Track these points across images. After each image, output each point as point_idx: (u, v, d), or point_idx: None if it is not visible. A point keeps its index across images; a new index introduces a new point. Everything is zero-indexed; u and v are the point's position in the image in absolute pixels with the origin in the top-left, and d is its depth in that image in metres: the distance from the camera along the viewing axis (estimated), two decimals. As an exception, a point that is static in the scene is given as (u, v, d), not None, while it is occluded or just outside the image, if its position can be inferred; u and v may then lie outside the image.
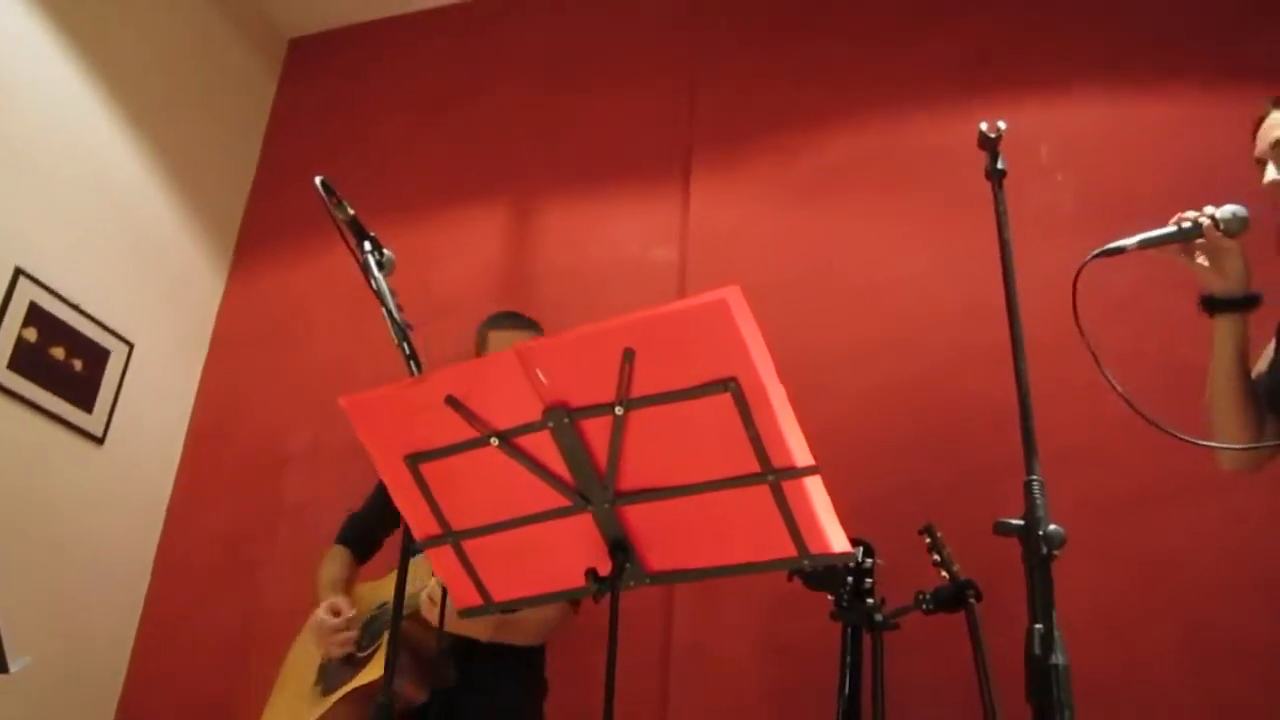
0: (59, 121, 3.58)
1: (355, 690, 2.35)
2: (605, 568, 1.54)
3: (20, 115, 3.42)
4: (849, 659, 2.24)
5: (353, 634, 2.51)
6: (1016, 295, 1.62)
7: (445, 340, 3.38)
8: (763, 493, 1.44)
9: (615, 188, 3.83)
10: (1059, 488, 1.69)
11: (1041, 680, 1.32)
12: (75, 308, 3.51)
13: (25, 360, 3.31)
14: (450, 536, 1.62)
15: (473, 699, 2.45)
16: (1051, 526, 1.40)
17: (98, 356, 3.60)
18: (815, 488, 1.44)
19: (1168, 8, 3.32)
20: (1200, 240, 1.85)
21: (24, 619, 3.21)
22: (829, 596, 2.30)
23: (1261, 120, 1.93)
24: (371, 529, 2.81)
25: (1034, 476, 1.45)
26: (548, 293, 3.70)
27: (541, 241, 3.85)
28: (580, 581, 1.55)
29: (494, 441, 1.50)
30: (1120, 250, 1.81)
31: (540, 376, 1.43)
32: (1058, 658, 1.33)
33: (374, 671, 2.34)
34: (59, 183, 3.54)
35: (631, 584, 1.58)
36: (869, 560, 2.28)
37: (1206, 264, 1.88)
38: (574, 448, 1.48)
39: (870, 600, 2.27)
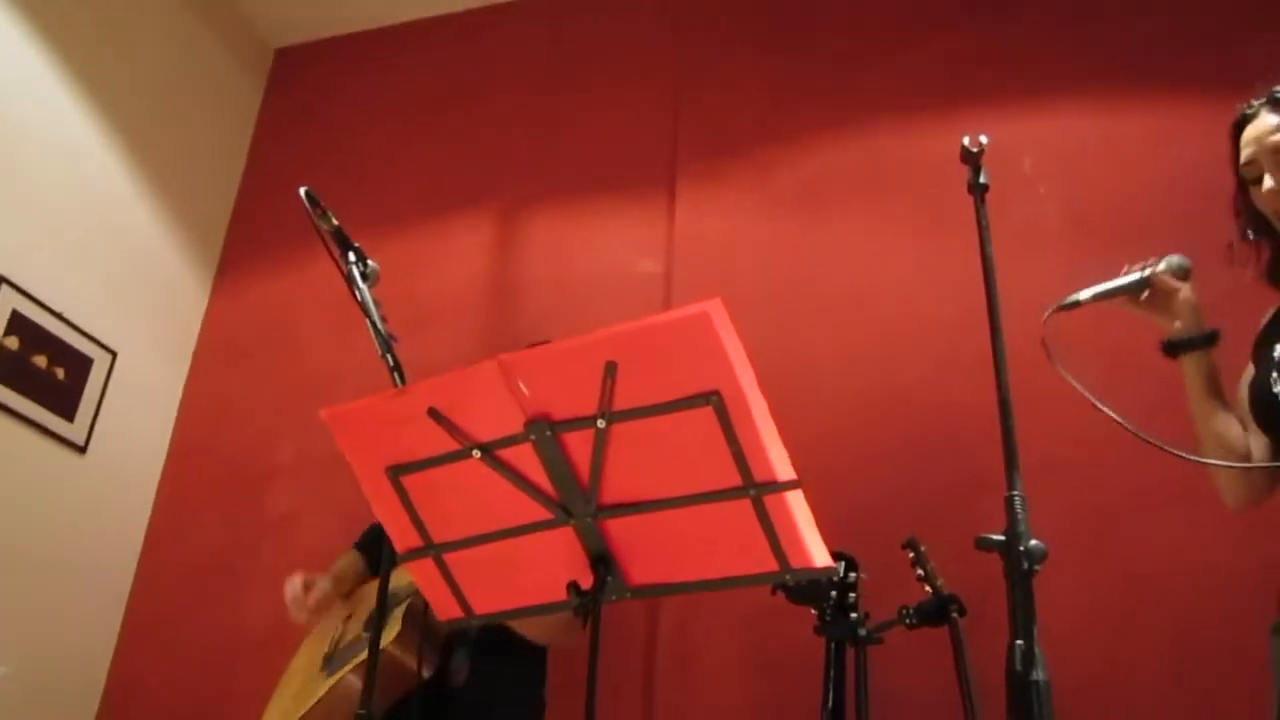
0: (43, 130, 3.57)
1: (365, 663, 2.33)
2: (587, 581, 1.54)
3: (3, 124, 3.41)
4: (832, 674, 2.23)
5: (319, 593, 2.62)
6: (999, 308, 1.62)
7: (430, 352, 3.38)
8: (744, 506, 1.43)
9: (601, 199, 3.83)
10: (1042, 500, 1.70)
11: (1022, 697, 1.32)
12: (58, 316, 3.49)
13: (6, 368, 3.29)
14: (431, 549, 1.62)
15: (474, 702, 2.45)
16: (1033, 542, 1.40)
17: (80, 365, 3.58)
18: (797, 502, 1.43)
19: (1150, 19, 3.34)
20: (1150, 289, 1.90)
21: (1, 629, 3.19)
22: (812, 611, 2.29)
23: (1244, 122, 1.87)
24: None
25: (1015, 492, 1.45)
26: (533, 304, 3.70)
27: (527, 253, 3.84)
28: (562, 595, 1.55)
29: (476, 454, 1.49)
30: (1076, 304, 1.84)
31: (522, 388, 1.43)
32: (1038, 674, 1.32)
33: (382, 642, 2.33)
34: (43, 191, 3.52)
35: (613, 597, 1.57)
36: (852, 575, 2.28)
37: (1159, 311, 1.92)
38: (556, 460, 1.48)
39: (854, 615, 2.26)
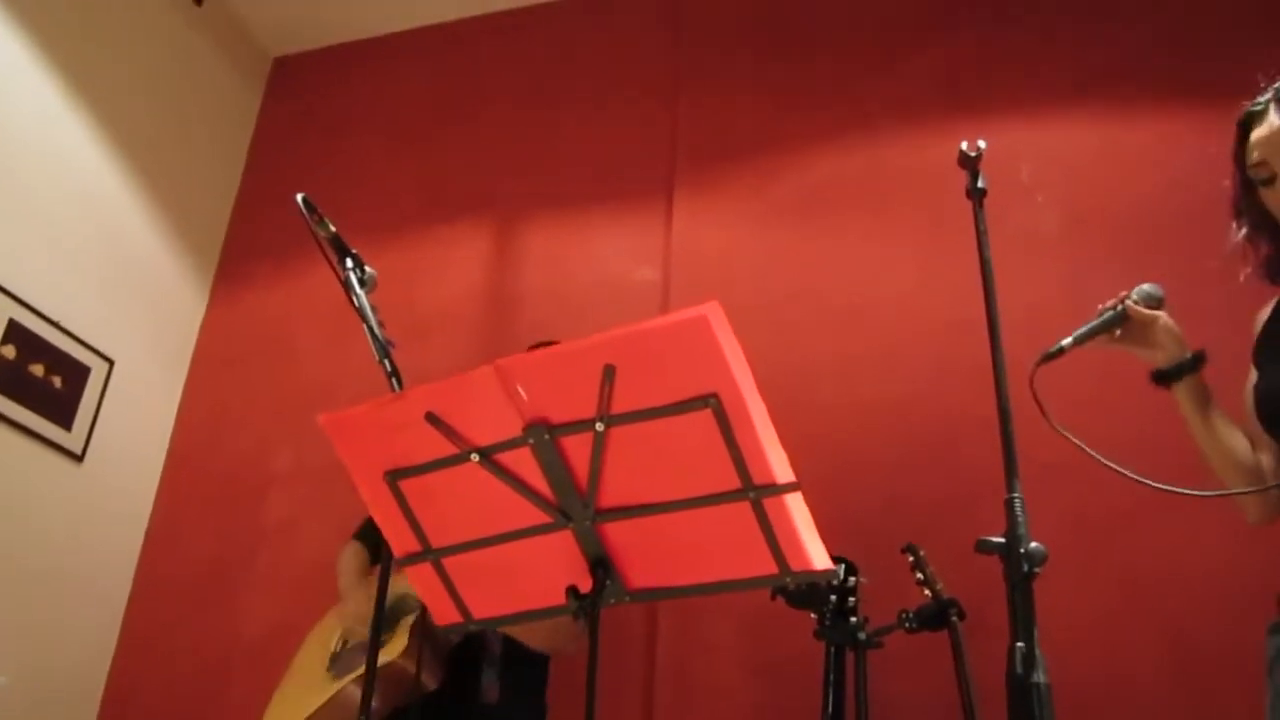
0: (41, 139, 3.56)
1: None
2: (586, 585, 1.53)
3: (2, 133, 3.41)
4: (832, 678, 2.23)
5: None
6: (998, 313, 1.62)
7: (428, 360, 3.38)
8: (744, 509, 1.43)
9: (599, 207, 3.83)
10: (1042, 504, 1.70)
11: (1023, 699, 1.32)
12: (55, 325, 3.48)
13: (3, 377, 3.28)
14: (430, 554, 1.62)
15: (477, 706, 2.45)
16: (1033, 544, 1.40)
17: (78, 374, 3.58)
18: (796, 504, 1.43)
19: (1148, 29, 3.35)
20: (1127, 323, 1.87)
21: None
22: (812, 615, 2.29)
23: (1250, 119, 1.81)
24: None
25: (1015, 494, 1.45)
26: (531, 312, 3.70)
27: (525, 261, 3.84)
28: (561, 599, 1.55)
29: (474, 458, 1.49)
30: (1061, 352, 1.80)
31: (521, 393, 1.43)
32: (1039, 677, 1.32)
33: (387, 654, 2.34)
34: (40, 200, 3.52)
35: (612, 601, 1.57)
36: (851, 579, 2.28)
37: (1140, 344, 1.89)
38: (554, 464, 1.47)
39: (853, 619, 2.26)
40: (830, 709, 2.21)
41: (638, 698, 2.98)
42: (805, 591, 2.25)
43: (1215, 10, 3.30)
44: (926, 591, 2.32)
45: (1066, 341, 1.82)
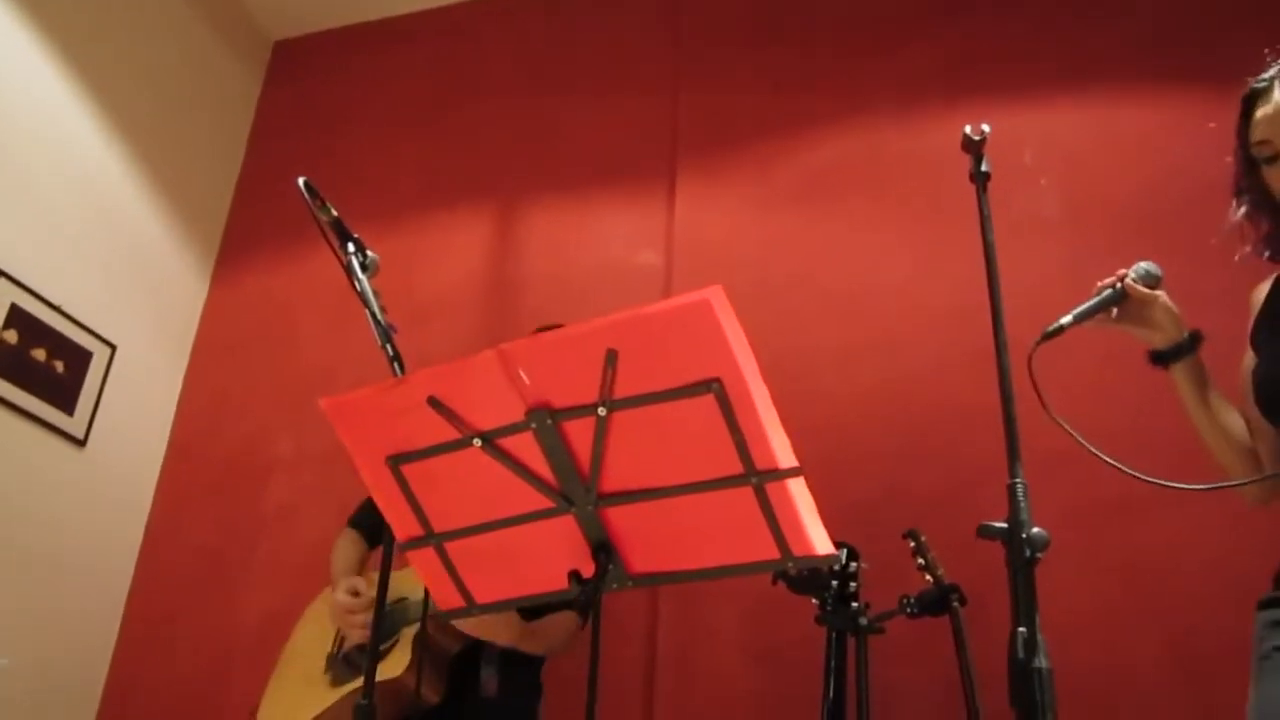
0: (40, 123, 3.55)
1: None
2: (588, 570, 1.53)
3: (2, 118, 3.40)
4: (833, 663, 2.24)
5: (369, 617, 2.48)
6: (1000, 298, 1.62)
7: (429, 345, 3.38)
8: (746, 494, 1.43)
9: (600, 192, 3.83)
10: (1044, 492, 1.70)
11: (1025, 684, 1.32)
12: (57, 309, 3.48)
13: (5, 362, 3.28)
14: (432, 538, 1.61)
15: (475, 701, 2.45)
16: (1035, 529, 1.40)
17: (80, 359, 3.58)
18: (799, 489, 1.43)
19: (1148, 14, 3.34)
20: (1126, 301, 1.85)
21: (0, 623, 3.18)
22: (813, 601, 2.30)
23: (1254, 95, 1.79)
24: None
25: (1017, 479, 1.45)
26: (533, 297, 3.69)
27: (527, 245, 3.84)
28: (563, 584, 1.55)
29: (476, 442, 1.49)
30: (1060, 330, 1.78)
31: (523, 377, 1.42)
32: (1041, 661, 1.32)
33: (390, 670, 2.32)
34: (41, 185, 3.51)
35: (614, 586, 1.57)
36: (853, 564, 2.28)
37: (1138, 323, 1.88)
38: (557, 449, 1.47)
39: (855, 604, 2.27)
40: (831, 694, 2.21)
41: (639, 683, 2.99)
42: (807, 577, 2.26)
43: (1217, -4, 3.29)
44: (928, 577, 2.33)
45: (1066, 319, 1.80)
